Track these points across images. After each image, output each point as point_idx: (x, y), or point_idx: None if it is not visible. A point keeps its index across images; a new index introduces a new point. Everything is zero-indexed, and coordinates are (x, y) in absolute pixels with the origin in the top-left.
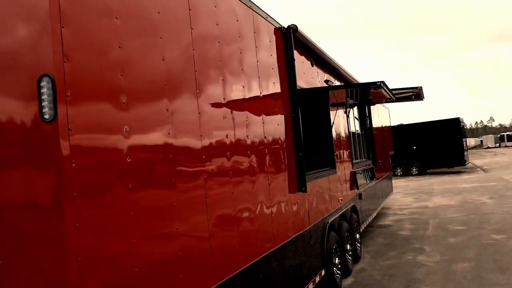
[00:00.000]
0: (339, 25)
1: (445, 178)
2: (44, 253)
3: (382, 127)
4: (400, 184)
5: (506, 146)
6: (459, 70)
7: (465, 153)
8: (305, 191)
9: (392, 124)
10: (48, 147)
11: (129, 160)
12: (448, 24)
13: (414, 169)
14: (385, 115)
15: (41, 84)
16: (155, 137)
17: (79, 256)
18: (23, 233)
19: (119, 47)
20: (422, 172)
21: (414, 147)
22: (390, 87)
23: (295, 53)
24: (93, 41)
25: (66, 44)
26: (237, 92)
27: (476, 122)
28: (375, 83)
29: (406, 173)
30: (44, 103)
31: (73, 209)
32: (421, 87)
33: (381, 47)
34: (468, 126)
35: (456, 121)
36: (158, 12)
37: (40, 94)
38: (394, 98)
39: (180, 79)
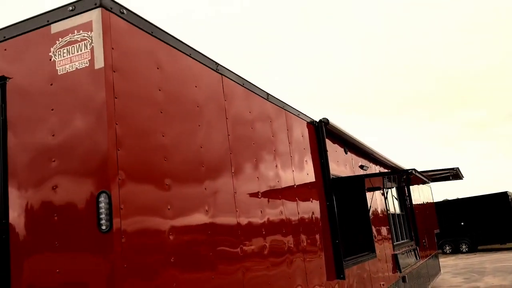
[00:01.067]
0: (379, 103)
1: (497, 255)
2: None
3: (424, 205)
4: (449, 263)
5: None
6: (501, 141)
7: None
8: (344, 278)
9: (437, 200)
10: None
11: (174, 248)
12: (489, 98)
13: (463, 246)
14: (427, 193)
15: (100, 200)
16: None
17: None
18: None
19: (165, 159)
20: (472, 249)
21: (462, 223)
22: (428, 167)
23: (329, 143)
24: (142, 161)
25: (120, 165)
26: (271, 184)
27: None
28: (407, 171)
29: (456, 251)
30: (102, 216)
31: None
32: (457, 167)
33: (421, 121)
34: None
35: (504, 195)
36: (199, 125)
37: (98, 207)
38: (430, 181)
39: (218, 180)
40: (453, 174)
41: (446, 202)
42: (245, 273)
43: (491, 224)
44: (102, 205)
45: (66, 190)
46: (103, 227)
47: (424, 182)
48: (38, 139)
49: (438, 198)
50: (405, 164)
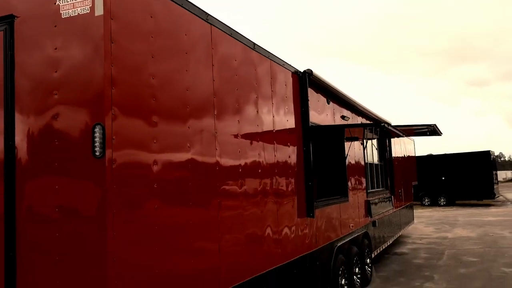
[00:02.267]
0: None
1: (472, 210)
2: (85, 255)
3: (405, 158)
4: (425, 214)
5: None
6: (501, 100)
7: (495, 186)
8: (313, 216)
9: (422, 155)
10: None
11: (157, 180)
12: (492, 53)
13: (441, 200)
14: (409, 147)
15: (95, 130)
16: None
17: (115, 259)
18: (68, 238)
19: (154, 99)
20: (450, 203)
21: (443, 178)
22: (419, 121)
23: (312, 92)
24: (133, 99)
25: (114, 101)
26: (251, 128)
27: None
28: (379, 124)
29: (434, 204)
30: (96, 144)
31: (112, 222)
32: (435, 124)
33: (420, 76)
34: (507, 159)
35: (486, 154)
36: (186, 70)
37: (93, 136)
38: (404, 136)
39: (201, 121)
40: (431, 130)
41: (430, 157)
42: (221, 208)
43: (470, 180)
44: (96, 134)
45: (66, 119)
46: (97, 153)
47: (398, 136)
48: (42, 74)
49: (427, 152)
50: (395, 118)
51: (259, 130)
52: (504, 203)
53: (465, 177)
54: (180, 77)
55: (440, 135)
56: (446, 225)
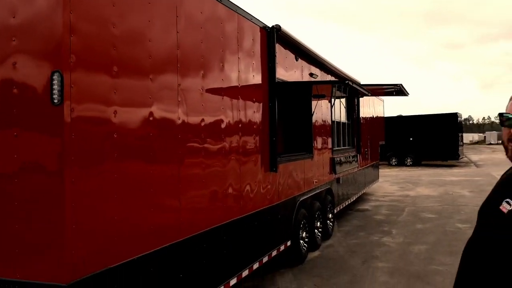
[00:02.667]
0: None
1: (436, 170)
2: (45, 206)
3: (373, 118)
4: (391, 174)
5: None
6: (474, 64)
7: (460, 148)
8: (276, 171)
9: (391, 115)
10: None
11: (117, 131)
12: (467, 17)
13: (408, 160)
14: (378, 107)
15: (53, 77)
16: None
17: (74, 208)
18: (28, 190)
19: (114, 48)
20: (416, 164)
21: (411, 139)
22: (387, 81)
23: (280, 49)
24: (93, 48)
25: (72, 49)
26: (215, 82)
27: (484, 117)
28: (343, 81)
29: (401, 164)
30: (54, 91)
31: (70, 171)
32: (401, 84)
33: (398, 37)
34: (475, 121)
35: (454, 116)
36: (149, 21)
37: (51, 84)
38: (369, 94)
39: (163, 73)
40: (397, 90)
41: (399, 118)
42: (183, 163)
43: (437, 142)
44: (55, 82)
45: (24, 66)
46: (55, 101)
47: (364, 94)
48: (1, 20)
49: (399, 113)
50: (371, 79)
51: (224, 85)
52: (467, 164)
53: (431, 138)
54: (142, 28)
55: (407, 95)
56: (410, 184)
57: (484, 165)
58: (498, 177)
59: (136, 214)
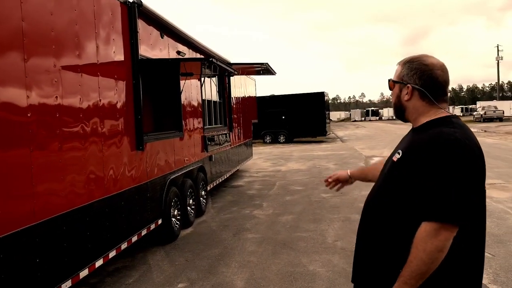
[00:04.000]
0: None
1: (307, 146)
2: None
3: (245, 97)
4: (265, 151)
5: (369, 120)
6: (341, 45)
7: (327, 125)
8: (142, 149)
9: (264, 95)
10: None
11: None
12: (336, 1)
13: (281, 137)
14: (250, 86)
15: None
16: None
17: None
18: None
19: None
20: (289, 141)
21: (283, 117)
22: (257, 60)
23: (143, 25)
24: None
25: None
26: (70, 57)
27: (349, 96)
28: (207, 59)
29: (275, 141)
30: None
31: None
32: (267, 63)
33: (269, 17)
34: (342, 100)
35: (321, 95)
36: None
37: None
38: (236, 72)
39: (5, 43)
40: (264, 69)
41: (272, 97)
42: (34, 146)
43: (307, 119)
44: None
45: None
46: None
47: (231, 73)
48: None
49: (272, 92)
50: (246, 58)
51: (81, 62)
52: (334, 140)
53: (302, 116)
54: None
55: (274, 74)
56: (282, 160)
57: (349, 140)
58: (361, 150)
59: None
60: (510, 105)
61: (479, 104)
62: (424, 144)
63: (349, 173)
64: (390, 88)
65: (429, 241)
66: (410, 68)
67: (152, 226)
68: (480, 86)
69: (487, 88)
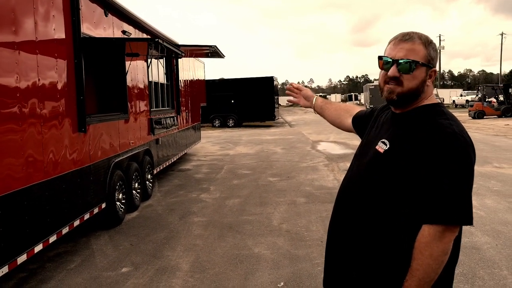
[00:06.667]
0: None
1: (256, 130)
2: None
3: (194, 80)
4: (214, 135)
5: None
6: (292, 32)
7: (276, 110)
8: (85, 131)
9: (213, 78)
10: None
11: None
12: None
13: (230, 121)
14: (199, 69)
15: None
16: None
17: None
18: None
19: None
20: (238, 125)
21: (232, 101)
22: (201, 43)
23: (86, 2)
24: None
25: None
26: (5, 36)
27: (299, 82)
28: (153, 39)
29: (224, 125)
30: None
31: None
32: (215, 46)
33: (223, 1)
34: None
35: (270, 80)
36: None
37: None
38: (183, 54)
39: None
40: (212, 52)
41: (221, 81)
42: None
43: (256, 103)
44: None
45: None
46: None
47: (178, 55)
48: None
49: (222, 76)
50: (197, 41)
51: (17, 39)
52: (282, 124)
53: (251, 101)
54: None
55: (223, 57)
56: (230, 144)
57: (297, 124)
58: (308, 135)
59: None
60: (450, 93)
61: (434, 90)
62: (425, 139)
63: (314, 98)
64: (381, 67)
65: (434, 245)
66: (434, 49)
67: (96, 210)
68: None
69: None
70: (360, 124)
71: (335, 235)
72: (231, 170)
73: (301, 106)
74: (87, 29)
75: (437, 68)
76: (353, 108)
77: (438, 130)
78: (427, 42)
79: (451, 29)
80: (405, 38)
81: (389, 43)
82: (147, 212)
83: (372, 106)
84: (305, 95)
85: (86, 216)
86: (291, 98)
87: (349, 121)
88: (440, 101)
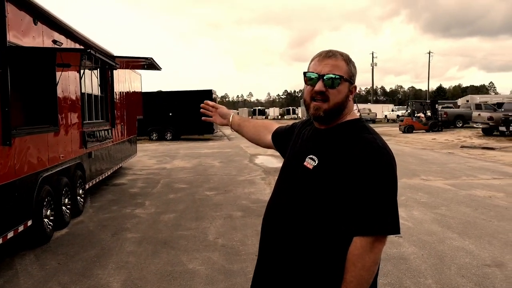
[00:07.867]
0: None
1: (194, 144)
2: None
3: (130, 92)
4: (151, 148)
5: (256, 119)
6: (232, 44)
7: (214, 123)
8: (10, 145)
9: (151, 90)
10: None
11: None
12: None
13: (168, 135)
14: (136, 81)
15: None
16: None
17: None
18: None
19: None
20: (176, 138)
21: (170, 114)
22: (144, 55)
23: (14, 9)
24: None
25: None
26: None
27: (238, 95)
28: (85, 50)
29: (161, 138)
30: None
31: None
32: (152, 58)
33: (164, 12)
34: (231, 99)
35: (209, 93)
36: None
37: None
38: (118, 66)
39: None
40: (148, 64)
41: (158, 93)
42: None
43: (194, 116)
44: None
45: None
46: None
47: (112, 67)
48: None
49: (160, 88)
50: (136, 53)
51: None
52: (221, 137)
53: (189, 114)
54: None
55: (160, 70)
56: (167, 157)
57: (235, 138)
58: (246, 149)
59: None
60: (382, 108)
61: (355, 106)
62: (352, 154)
63: (231, 116)
64: (306, 83)
65: (366, 256)
66: (354, 66)
67: (21, 228)
68: (357, 90)
69: (363, 92)
70: (280, 140)
71: (266, 254)
72: (168, 184)
73: (218, 124)
74: (14, 37)
75: (370, 85)
76: (271, 124)
77: (364, 145)
78: (348, 59)
79: (384, 46)
80: (328, 54)
81: (313, 60)
82: (78, 229)
83: None
84: (221, 112)
85: (10, 235)
86: (206, 117)
87: (268, 138)
88: (360, 116)
